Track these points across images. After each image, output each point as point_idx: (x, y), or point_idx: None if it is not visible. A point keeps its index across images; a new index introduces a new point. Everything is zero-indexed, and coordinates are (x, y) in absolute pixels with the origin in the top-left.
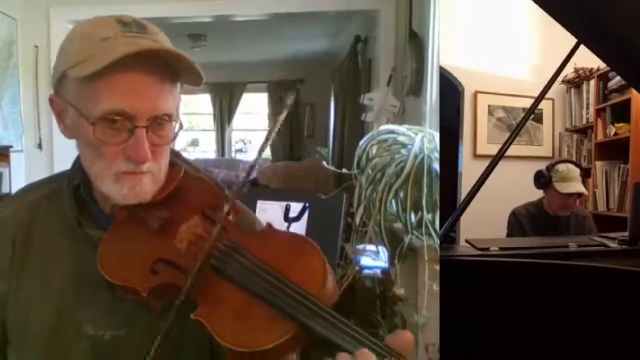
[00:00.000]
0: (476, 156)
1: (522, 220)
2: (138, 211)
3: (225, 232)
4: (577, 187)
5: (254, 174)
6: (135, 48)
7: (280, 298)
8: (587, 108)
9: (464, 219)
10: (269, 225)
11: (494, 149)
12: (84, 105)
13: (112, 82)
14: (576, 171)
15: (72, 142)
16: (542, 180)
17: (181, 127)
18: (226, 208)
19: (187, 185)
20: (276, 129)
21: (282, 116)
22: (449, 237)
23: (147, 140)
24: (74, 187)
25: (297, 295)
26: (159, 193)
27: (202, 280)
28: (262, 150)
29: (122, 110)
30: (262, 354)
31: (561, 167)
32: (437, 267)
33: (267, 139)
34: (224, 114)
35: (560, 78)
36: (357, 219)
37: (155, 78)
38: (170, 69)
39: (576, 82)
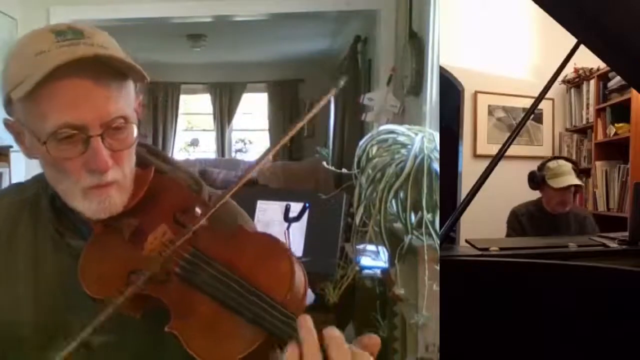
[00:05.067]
0: (476, 156)
1: (521, 220)
2: (112, 222)
3: (195, 238)
4: (570, 179)
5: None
6: (66, 57)
7: (246, 307)
8: (587, 108)
9: (464, 219)
10: (240, 227)
11: (494, 149)
12: (34, 125)
13: (53, 97)
14: (567, 165)
15: None
16: (535, 180)
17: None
18: (198, 211)
19: (158, 187)
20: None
21: (329, 95)
22: (449, 237)
23: (105, 148)
24: (51, 196)
25: (262, 303)
26: (130, 201)
27: (173, 290)
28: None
29: (69, 124)
30: None
31: (551, 164)
32: (437, 267)
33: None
34: (224, 114)
35: (560, 78)
36: (357, 219)
37: (98, 82)
38: (114, 69)
39: (576, 82)
